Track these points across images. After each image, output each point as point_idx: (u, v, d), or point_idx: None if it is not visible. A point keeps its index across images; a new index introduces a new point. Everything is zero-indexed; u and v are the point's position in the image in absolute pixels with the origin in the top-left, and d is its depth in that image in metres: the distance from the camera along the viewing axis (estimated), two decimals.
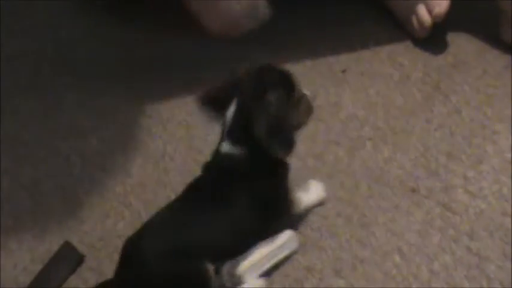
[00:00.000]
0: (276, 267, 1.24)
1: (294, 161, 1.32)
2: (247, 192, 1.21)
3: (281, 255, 1.23)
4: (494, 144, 1.38)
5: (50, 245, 1.40)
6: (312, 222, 1.31)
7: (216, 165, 1.24)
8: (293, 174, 1.30)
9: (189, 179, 1.28)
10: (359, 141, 1.45)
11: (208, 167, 1.25)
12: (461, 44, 1.62)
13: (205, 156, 1.29)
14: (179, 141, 1.54)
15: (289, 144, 1.19)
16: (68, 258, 1.37)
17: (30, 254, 1.40)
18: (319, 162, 1.42)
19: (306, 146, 1.45)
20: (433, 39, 1.65)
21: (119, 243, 1.28)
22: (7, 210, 1.51)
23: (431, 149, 1.40)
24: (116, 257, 1.27)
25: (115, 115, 1.67)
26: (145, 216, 1.36)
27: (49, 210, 1.48)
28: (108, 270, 1.30)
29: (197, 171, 1.28)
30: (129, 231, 1.28)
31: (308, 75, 1.59)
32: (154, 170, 1.50)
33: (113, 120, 1.66)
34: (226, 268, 1.20)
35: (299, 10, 1.75)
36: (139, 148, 1.57)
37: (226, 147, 1.21)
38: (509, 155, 1.35)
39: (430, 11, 1.59)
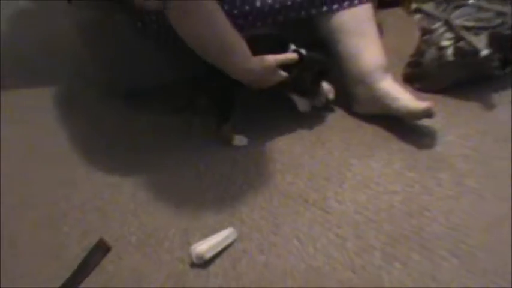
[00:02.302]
0: (222, 250, 1.54)
1: None
2: None
3: (227, 242, 1.55)
4: (352, 171, 1.71)
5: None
6: (244, 221, 1.63)
7: None
8: None
9: None
10: (273, 173, 1.77)
11: None
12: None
13: None
14: None
15: None
16: (101, 250, 1.62)
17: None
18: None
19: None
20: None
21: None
22: None
23: (316, 175, 1.72)
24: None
25: None
26: None
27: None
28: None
29: None
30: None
31: None
32: None
33: None
34: (193, 250, 1.52)
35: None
36: None
37: None
38: (361, 178, 1.68)
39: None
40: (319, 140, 1.82)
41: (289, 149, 1.81)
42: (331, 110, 1.93)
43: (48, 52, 2.51)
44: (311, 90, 1.83)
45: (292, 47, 1.76)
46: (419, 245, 1.48)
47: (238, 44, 1.63)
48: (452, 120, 1.79)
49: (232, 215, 1.65)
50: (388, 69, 1.78)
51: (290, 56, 1.72)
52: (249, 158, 1.80)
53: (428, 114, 1.65)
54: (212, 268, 1.53)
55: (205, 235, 1.58)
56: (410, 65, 1.95)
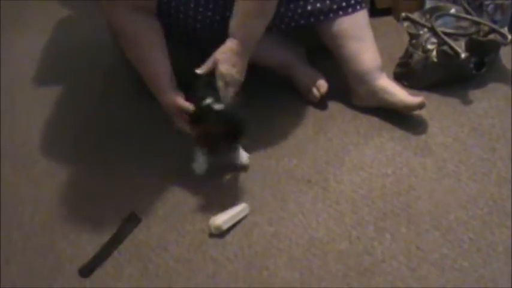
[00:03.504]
0: (237, 223, 1.63)
1: None
2: None
3: (241, 215, 1.63)
4: (349, 156, 1.79)
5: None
6: (256, 198, 1.70)
7: None
8: None
9: None
10: (281, 157, 1.83)
11: None
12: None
13: None
14: None
15: None
16: (133, 221, 1.70)
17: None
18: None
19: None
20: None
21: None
22: None
23: (318, 159, 1.79)
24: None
25: None
26: None
27: None
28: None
29: None
30: None
31: None
32: None
33: None
34: (212, 222, 1.60)
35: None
36: None
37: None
38: (357, 162, 1.76)
39: (319, 88, 1.92)
40: (321, 129, 1.91)
41: (294, 137, 1.90)
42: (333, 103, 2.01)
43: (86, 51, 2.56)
44: (214, 150, 1.70)
45: (208, 100, 1.59)
46: (407, 220, 1.58)
47: (155, 75, 1.69)
48: (435, 113, 1.88)
49: (245, 192, 1.74)
50: (383, 68, 1.86)
51: (185, 105, 1.66)
52: (258, 145, 1.87)
53: (420, 107, 1.77)
54: (228, 238, 1.62)
55: (222, 209, 1.67)
56: (399, 65, 2.05)
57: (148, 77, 1.71)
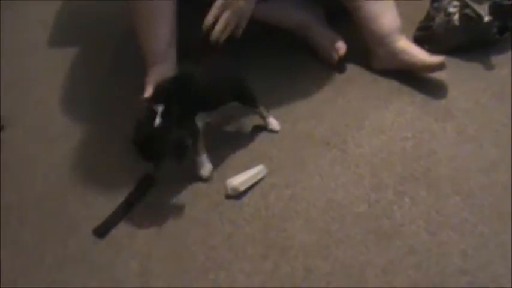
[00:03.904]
0: (254, 184, 1.60)
1: None
2: None
3: (258, 177, 1.61)
4: (368, 119, 1.74)
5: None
6: (274, 160, 1.68)
7: None
8: None
9: None
10: (298, 118, 1.80)
11: None
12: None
13: None
14: None
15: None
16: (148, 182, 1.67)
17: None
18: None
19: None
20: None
21: None
22: None
23: (336, 122, 1.75)
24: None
25: None
26: None
27: None
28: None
29: None
30: None
31: None
32: None
33: None
34: (229, 184, 1.58)
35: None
36: None
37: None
38: (377, 126, 1.71)
39: (337, 51, 1.88)
40: (340, 91, 1.87)
41: (312, 99, 1.86)
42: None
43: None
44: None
45: (159, 108, 1.52)
46: (427, 184, 1.54)
47: (155, 37, 1.69)
48: (456, 78, 1.82)
49: (262, 154, 1.70)
50: (403, 31, 1.81)
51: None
52: (275, 107, 1.84)
53: (441, 67, 1.71)
54: (245, 199, 1.60)
55: (239, 171, 1.63)
56: (420, 29, 1.98)
57: (146, 39, 1.69)
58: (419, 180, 1.55)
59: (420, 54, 1.77)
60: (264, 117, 1.73)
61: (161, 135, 1.48)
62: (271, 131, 1.74)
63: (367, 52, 1.90)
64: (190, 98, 1.52)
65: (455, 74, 1.83)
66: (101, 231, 1.58)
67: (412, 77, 1.82)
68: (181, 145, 1.49)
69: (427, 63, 1.76)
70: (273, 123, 1.74)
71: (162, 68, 1.68)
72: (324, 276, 1.38)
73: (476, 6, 1.82)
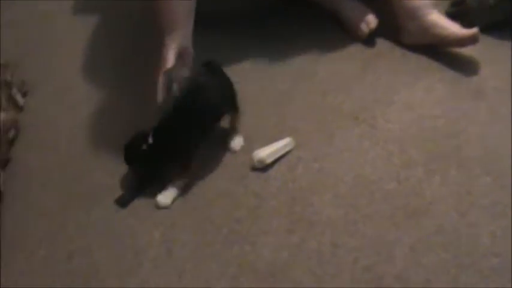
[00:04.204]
0: (281, 157, 1.58)
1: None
2: None
3: (285, 150, 1.57)
4: (398, 95, 1.70)
5: None
6: (301, 133, 1.64)
7: None
8: None
9: None
10: (327, 92, 1.76)
11: None
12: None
13: None
14: None
15: None
16: None
17: None
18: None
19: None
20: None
21: None
22: None
23: (365, 97, 1.72)
24: None
25: None
26: None
27: None
28: None
29: None
30: None
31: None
32: None
33: None
34: (255, 156, 1.55)
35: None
36: None
37: None
38: (406, 102, 1.67)
39: (368, 24, 1.85)
40: (369, 66, 1.82)
41: (341, 72, 1.82)
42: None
43: None
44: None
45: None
46: (457, 163, 1.51)
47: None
48: (488, 56, 1.77)
49: (290, 126, 1.67)
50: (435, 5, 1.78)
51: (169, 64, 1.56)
52: (304, 78, 1.81)
53: (474, 39, 1.66)
54: (271, 172, 1.56)
55: (265, 143, 1.60)
56: (453, 4, 1.93)
57: (165, 5, 1.62)
58: (449, 159, 1.51)
59: (452, 27, 1.72)
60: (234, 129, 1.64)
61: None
62: (230, 150, 1.63)
63: (397, 26, 1.86)
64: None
65: (488, 52, 1.77)
66: (124, 201, 1.56)
67: (443, 54, 1.78)
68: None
69: (459, 36, 1.70)
70: (237, 142, 1.63)
71: (181, 35, 1.62)
72: (351, 252, 1.36)
73: None
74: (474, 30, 1.68)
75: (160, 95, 1.51)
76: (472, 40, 1.69)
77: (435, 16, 1.76)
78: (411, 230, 1.38)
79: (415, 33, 1.80)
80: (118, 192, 1.58)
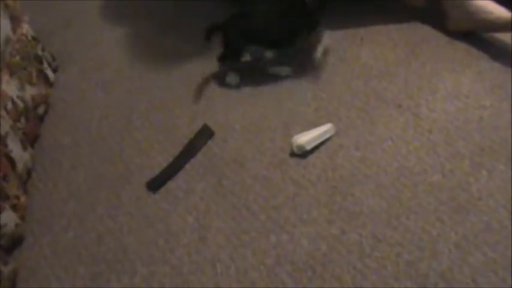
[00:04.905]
0: (321, 144, 1.51)
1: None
2: None
3: (326, 136, 1.52)
4: (443, 83, 1.63)
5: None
6: (342, 119, 1.56)
7: None
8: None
9: None
10: (370, 78, 1.69)
11: None
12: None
13: None
14: None
15: None
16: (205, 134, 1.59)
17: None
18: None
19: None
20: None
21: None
22: None
23: (409, 84, 1.64)
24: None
25: None
26: None
27: None
28: None
29: None
30: None
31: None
32: None
33: None
34: (295, 141, 1.48)
35: None
36: None
37: None
38: (452, 91, 1.59)
39: None
40: (413, 52, 1.73)
41: (385, 58, 1.73)
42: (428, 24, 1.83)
43: None
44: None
45: None
46: (505, 157, 1.42)
47: None
48: None
49: (330, 112, 1.59)
50: None
51: None
52: (346, 63, 1.73)
53: None
54: (311, 159, 1.49)
55: (304, 129, 1.53)
56: None
57: None
58: (497, 152, 1.42)
59: (498, 11, 1.63)
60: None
61: None
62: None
63: (442, 12, 1.77)
64: None
65: None
66: (155, 184, 1.49)
67: (489, 42, 1.70)
68: None
69: (506, 19, 1.61)
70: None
71: None
72: (393, 247, 1.28)
73: None
74: None
75: None
76: None
77: (480, 1, 1.67)
78: (457, 226, 1.29)
79: (460, 19, 1.72)
80: (150, 173, 1.51)
